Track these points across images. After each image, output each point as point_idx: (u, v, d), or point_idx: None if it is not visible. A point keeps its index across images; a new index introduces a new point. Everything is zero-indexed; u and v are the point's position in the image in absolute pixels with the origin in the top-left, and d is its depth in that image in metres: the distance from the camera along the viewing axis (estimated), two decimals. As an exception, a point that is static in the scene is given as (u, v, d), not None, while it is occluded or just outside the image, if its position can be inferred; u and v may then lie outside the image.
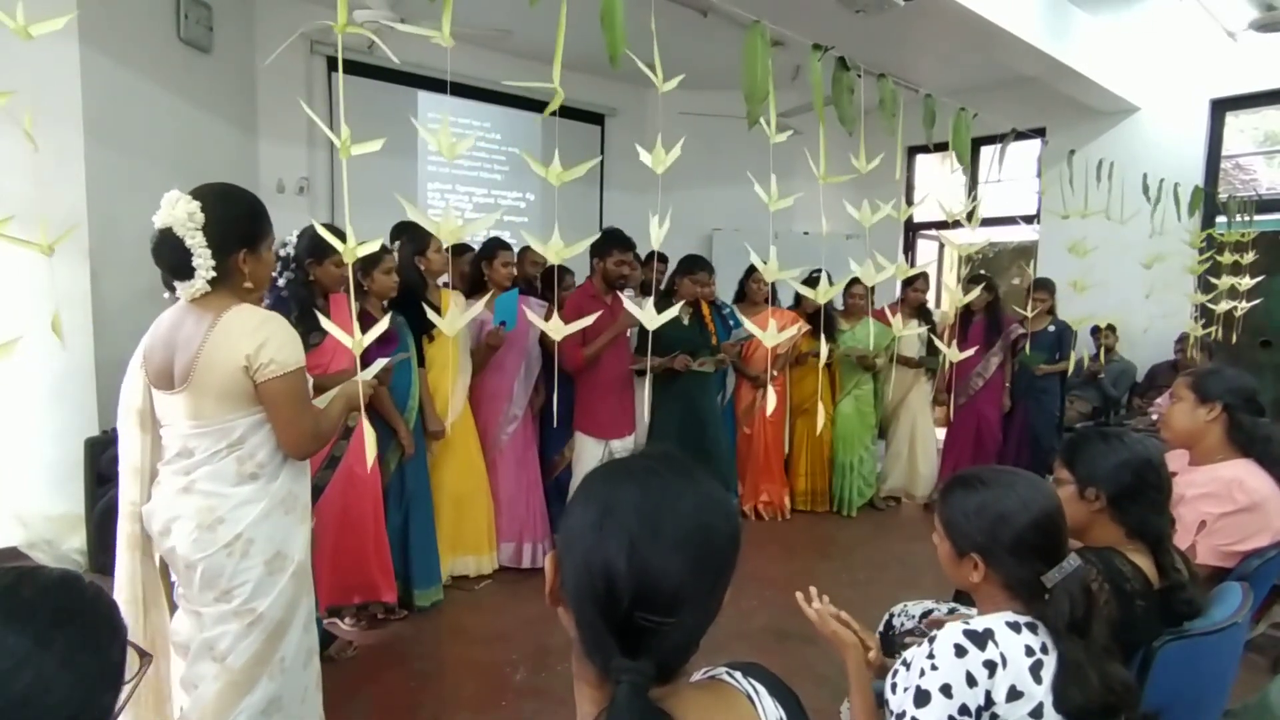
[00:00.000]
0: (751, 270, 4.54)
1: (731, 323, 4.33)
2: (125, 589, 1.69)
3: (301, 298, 2.54)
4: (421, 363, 3.13)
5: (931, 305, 5.02)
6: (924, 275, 4.92)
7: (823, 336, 2.43)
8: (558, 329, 1.71)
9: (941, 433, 5.07)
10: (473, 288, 3.56)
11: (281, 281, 2.54)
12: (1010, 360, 4.71)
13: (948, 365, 4.63)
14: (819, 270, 3.88)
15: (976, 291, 4.15)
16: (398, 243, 3.26)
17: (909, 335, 4.69)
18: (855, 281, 4.60)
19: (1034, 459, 4.52)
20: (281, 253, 2.54)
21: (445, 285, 3.38)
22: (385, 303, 2.91)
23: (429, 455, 3.21)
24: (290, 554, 1.67)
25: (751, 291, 4.53)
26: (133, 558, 1.69)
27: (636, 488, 0.73)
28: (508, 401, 3.52)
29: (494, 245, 3.49)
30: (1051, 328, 4.64)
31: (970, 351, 3.82)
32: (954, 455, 4.81)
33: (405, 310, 2.99)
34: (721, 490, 0.77)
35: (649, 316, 1.77)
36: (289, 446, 1.63)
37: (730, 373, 4.43)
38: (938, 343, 4.21)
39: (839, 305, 4.78)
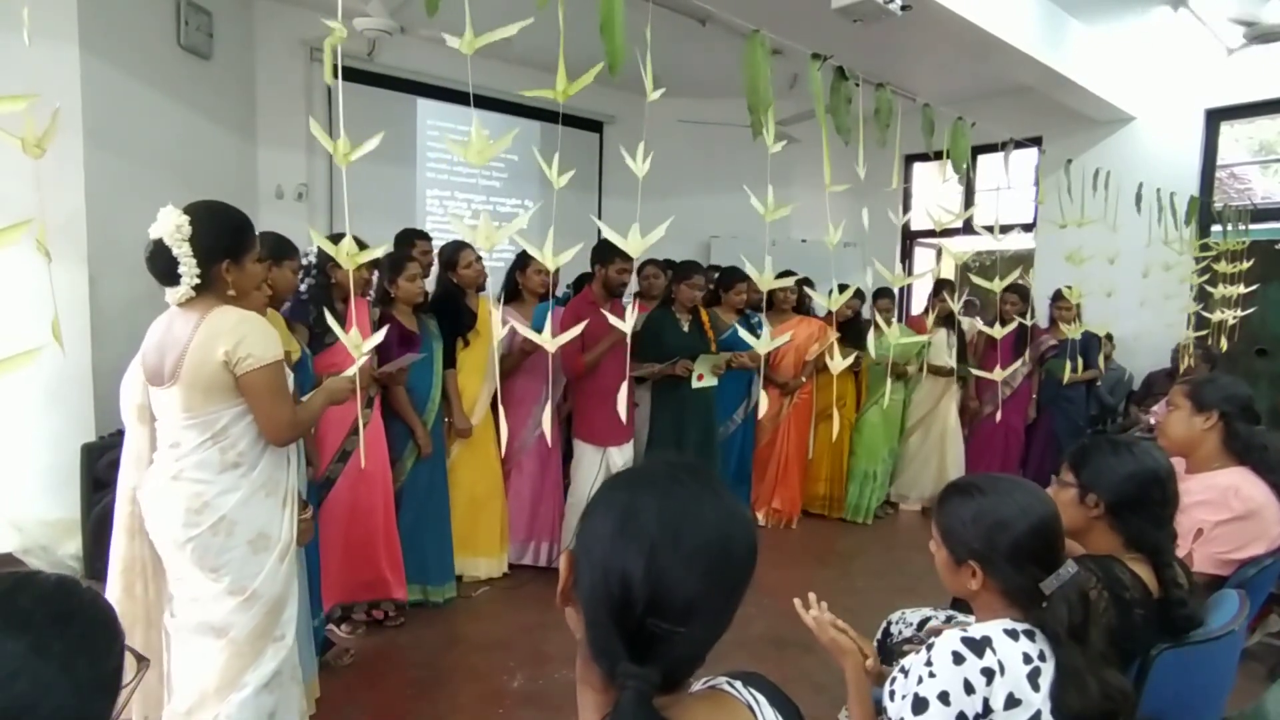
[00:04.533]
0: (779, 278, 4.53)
1: (760, 332, 4.33)
2: (118, 569, 1.85)
3: (321, 301, 2.67)
4: (451, 364, 3.26)
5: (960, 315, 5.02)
6: (950, 284, 4.93)
7: (836, 352, 2.43)
8: (550, 340, 1.71)
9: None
10: (508, 296, 3.64)
11: (303, 287, 2.67)
12: (1038, 370, 4.72)
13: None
14: (842, 283, 3.90)
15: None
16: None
17: (939, 344, 4.70)
18: (883, 293, 4.62)
19: (1058, 467, 4.50)
20: (304, 261, 2.67)
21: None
22: (413, 307, 3.09)
23: (449, 455, 3.31)
24: (273, 534, 1.81)
25: (778, 300, 4.54)
26: (126, 537, 1.86)
27: (659, 495, 0.73)
28: (536, 404, 3.57)
29: (527, 255, 3.55)
30: (1077, 336, 4.65)
31: (1015, 368, 3.79)
32: (981, 464, 4.82)
33: (444, 316, 3.23)
34: (742, 504, 0.78)
35: (628, 322, 1.79)
36: (269, 434, 1.77)
37: (757, 381, 4.44)
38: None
39: (864, 314, 4.78)
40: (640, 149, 1.69)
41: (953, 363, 4.77)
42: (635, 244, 1.72)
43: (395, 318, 2.99)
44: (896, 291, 4.68)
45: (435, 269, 3.49)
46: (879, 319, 4.59)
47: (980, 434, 4.87)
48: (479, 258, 3.52)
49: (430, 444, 3.09)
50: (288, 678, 1.85)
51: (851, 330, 4.41)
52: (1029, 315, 4.32)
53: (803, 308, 4.72)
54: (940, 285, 4.80)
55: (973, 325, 5.06)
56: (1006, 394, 4.70)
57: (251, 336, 1.69)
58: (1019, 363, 4.57)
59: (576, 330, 1.85)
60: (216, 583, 1.74)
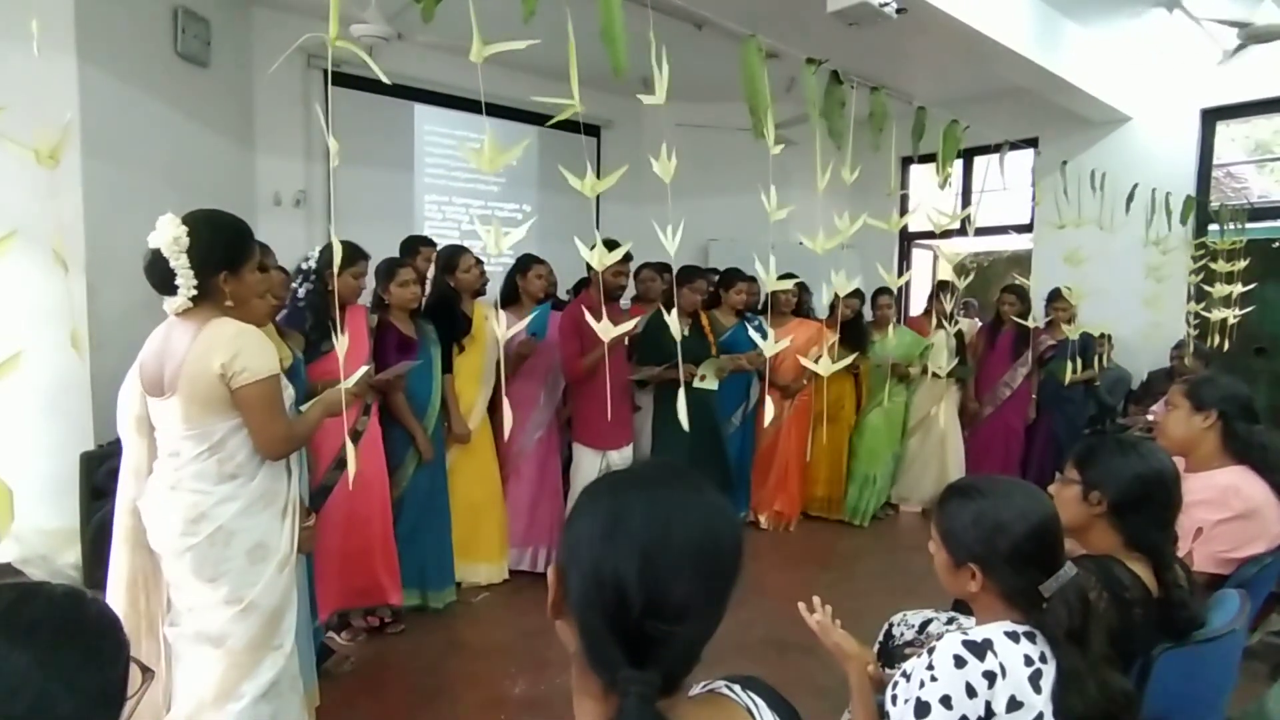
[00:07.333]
0: None
1: (760, 335, 4.35)
2: (120, 582, 1.83)
3: (318, 308, 2.68)
4: (449, 369, 3.25)
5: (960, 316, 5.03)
6: (950, 285, 4.94)
7: (824, 353, 2.44)
8: (606, 330, 1.75)
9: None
10: (506, 300, 3.63)
11: (301, 293, 2.69)
12: (1037, 371, 4.72)
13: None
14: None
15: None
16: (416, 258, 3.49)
17: (939, 345, 4.71)
18: (882, 291, 4.63)
19: (1058, 467, 4.51)
20: (304, 266, 2.70)
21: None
22: (409, 313, 3.10)
23: (447, 460, 3.30)
24: (272, 545, 1.80)
25: (778, 303, 4.54)
26: (127, 549, 1.84)
27: (644, 497, 0.73)
28: (534, 408, 3.57)
29: (528, 259, 3.59)
30: (1075, 337, 4.66)
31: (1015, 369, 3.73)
32: (981, 466, 4.82)
33: (438, 321, 3.21)
34: (724, 499, 0.78)
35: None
36: (262, 448, 1.76)
37: (755, 382, 4.45)
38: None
39: (868, 315, 4.80)
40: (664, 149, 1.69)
41: (951, 364, 4.77)
42: (670, 244, 1.74)
43: (393, 324, 3.00)
44: (896, 291, 4.70)
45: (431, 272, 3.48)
46: (880, 319, 4.63)
47: (980, 435, 4.88)
48: (478, 261, 3.52)
49: (432, 449, 3.10)
50: (286, 687, 1.84)
51: (852, 331, 4.40)
52: (1028, 316, 4.33)
53: (802, 310, 4.73)
54: (941, 286, 4.80)
55: (971, 326, 5.06)
56: (1006, 394, 4.70)
57: (248, 350, 1.68)
58: (1018, 362, 4.57)
59: (631, 324, 1.89)
60: (214, 592, 1.74)
